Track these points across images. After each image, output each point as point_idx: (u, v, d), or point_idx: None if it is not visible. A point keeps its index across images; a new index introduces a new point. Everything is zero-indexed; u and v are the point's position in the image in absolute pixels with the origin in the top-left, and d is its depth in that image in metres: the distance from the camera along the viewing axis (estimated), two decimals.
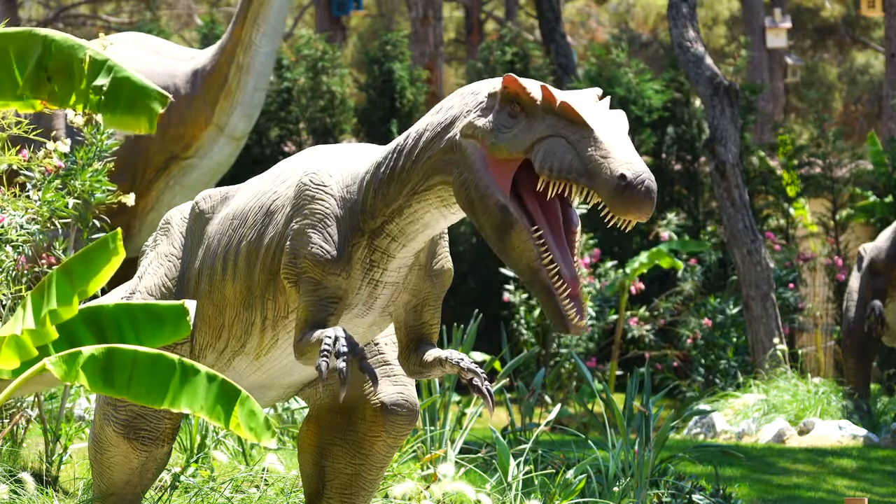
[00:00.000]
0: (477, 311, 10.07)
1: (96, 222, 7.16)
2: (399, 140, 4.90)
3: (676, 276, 15.66)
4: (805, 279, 16.70)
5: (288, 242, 4.99)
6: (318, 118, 16.98)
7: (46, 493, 6.50)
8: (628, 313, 15.26)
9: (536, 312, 13.99)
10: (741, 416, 12.39)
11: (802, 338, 16.64)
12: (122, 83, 4.83)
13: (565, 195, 4.48)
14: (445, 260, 5.14)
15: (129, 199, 7.08)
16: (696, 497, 7.80)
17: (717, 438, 12.15)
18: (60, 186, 6.92)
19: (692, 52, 14.11)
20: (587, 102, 4.52)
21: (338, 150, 5.19)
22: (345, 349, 4.71)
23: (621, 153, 4.36)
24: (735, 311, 14.60)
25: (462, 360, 4.90)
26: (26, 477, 6.39)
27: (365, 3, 28.36)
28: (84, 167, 6.95)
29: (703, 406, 12.51)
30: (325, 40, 17.57)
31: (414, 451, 7.95)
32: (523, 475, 7.44)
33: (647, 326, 15.15)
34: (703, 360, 14.59)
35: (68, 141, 6.99)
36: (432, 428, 8.06)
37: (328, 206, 4.96)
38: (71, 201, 6.90)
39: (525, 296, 14.08)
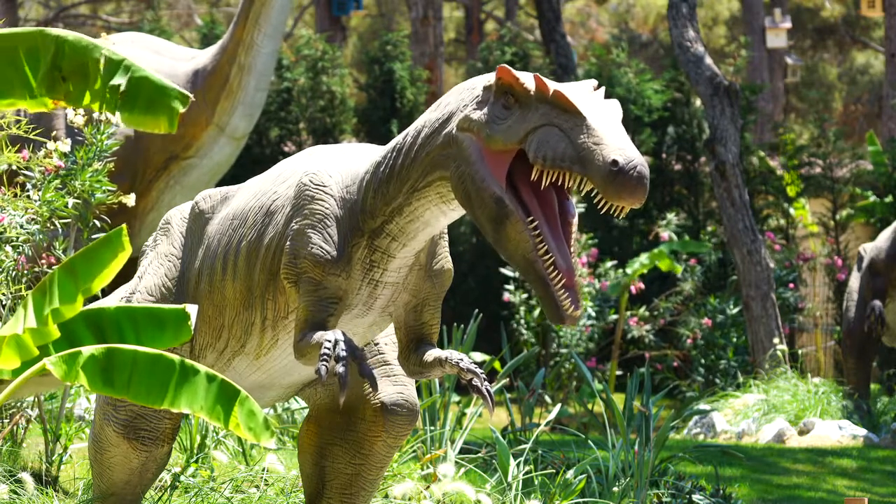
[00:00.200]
0: (477, 311, 10.06)
1: (96, 222, 7.16)
2: (398, 139, 4.91)
3: (676, 276, 15.66)
4: (805, 279, 16.70)
5: (288, 243, 4.99)
6: (318, 118, 16.99)
7: (46, 493, 6.50)
8: (628, 313, 15.26)
9: (536, 312, 13.99)
10: (741, 416, 12.39)
11: (802, 338, 16.64)
12: (141, 82, 4.82)
13: (559, 184, 4.49)
14: (445, 260, 5.14)
15: (130, 200, 7.08)
16: (696, 497, 7.80)
17: (717, 438, 12.15)
18: (60, 186, 6.92)
19: (692, 52, 14.11)
20: (581, 92, 4.55)
21: (338, 151, 5.19)
22: (344, 353, 4.71)
23: (614, 140, 4.38)
24: (735, 311, 14.60)
25: (462, 360, 4.90)
26: (26, 477, 6.39)
27: (365, 3, 28.37)
28: (84, 167, 6.95)
29: (703, 406, 12.51)
30: (325, 40, 17.57)
31: (414, 451, 7.95)
32: (523, 475, 7.44)
33: (647, 326, 15.15)
34: (703, 360, 14.59)
35: (68, 141, 6.99)
36: (432, 428, 8.06)
37: (328, 207, 4.96)
38: (71, 201, 6.90)
39: (525, 296, 14.08)
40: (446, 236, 5.17)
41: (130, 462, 5.56)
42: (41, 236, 6.72)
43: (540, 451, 8.33)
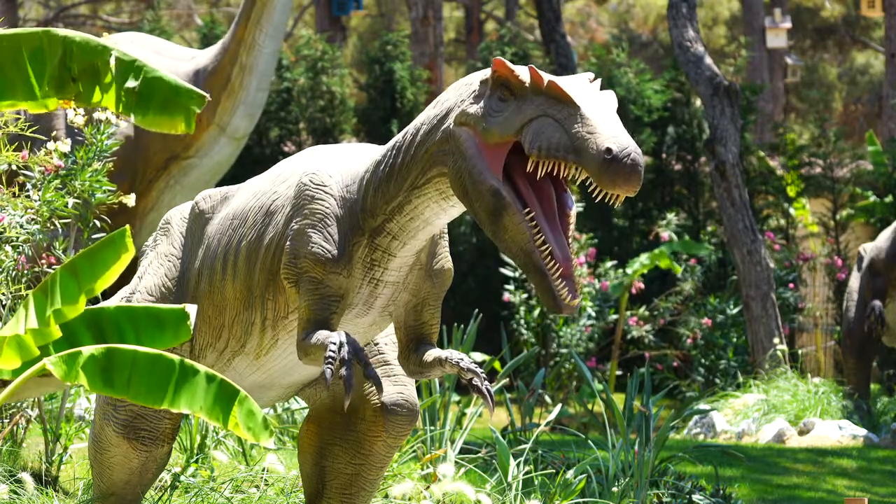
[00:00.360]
0: (477, 311, 10.06)
1: (96, 222, 7.16)
2: (398, 137, 4.92)
3: (676, 275, 15.66)
4: (805, 279, 16.69)
5: (288, 243, 4.99)
6: (318, 118, 16.98)
7: (46, 493, 6.50)
8: (628, 313, 15.26)
9: (536, 312, 13.99)
10: (741, 416, 12.39)
11: (802, 338, 16.63)
12: (154, 83, 4.82)
13: (554, 174, 4.50)
14: (445, 260, 5.15)
15: (130, 200, 7.08)
16: (696, 497, 7.80)
17: (717, 438, 12.15)
18: (60, 186, 6.92)
19: (692, 52, 14.11)
20: (576, 83, 4.57)
21: (338, 150, 5.20)
22: (349, 356, 4.71)
23: (607, 128, 4.39)
24: (735, 311, 14.60)
25: (462, 360, 4.91)
26: (26, 477, 6.39)
27: (365, 3, 28.36)
28: (84, 167, 6.95)
29: (703, 406, 12.50)
30: (325, 40, 17.56)
31: (414, 451, 7.94)
32: (523, 475, 7.43)
33: (647, 326, 15.15)
34: (703, 360, 14.59)
35: (68, 141, 6.99)
36: (432, 428, 8.06)
37: (328, 206, 4.97)
38: (71, 201, 6.89)
39: (525, 296, 14.08)
40: (446, 236, 5.18)
41: (130, 462, 5.56)
42: (41, 236, 6.72)
43: (540, 451, 8.33)
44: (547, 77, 4.51)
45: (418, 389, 8.25)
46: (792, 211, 17.03)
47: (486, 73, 4.71)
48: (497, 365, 10.81)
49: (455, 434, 8.17)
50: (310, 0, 29.22)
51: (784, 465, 10.59)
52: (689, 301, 15.36)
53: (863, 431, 11.93)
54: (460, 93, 4.75)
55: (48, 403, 7.97)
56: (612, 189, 4.37)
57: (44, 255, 7.03)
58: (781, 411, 12.35)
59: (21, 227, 6.66)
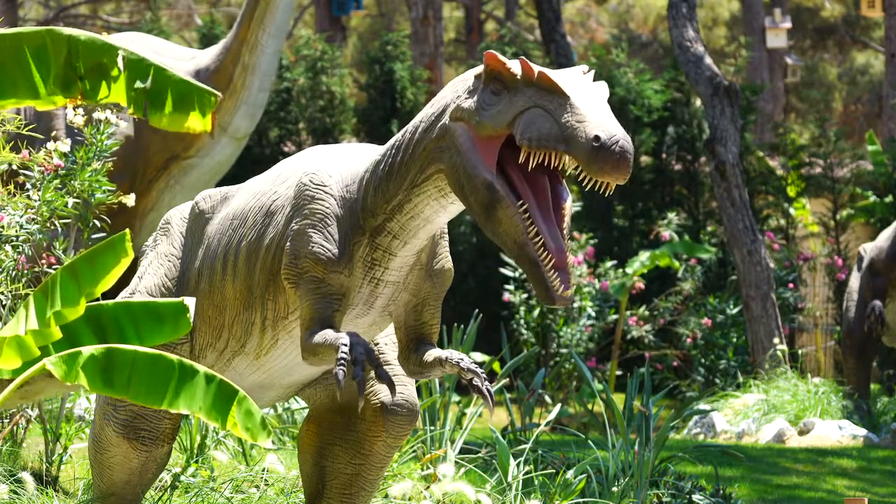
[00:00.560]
0: (477, 311, 10.06)
1: (96, 222, 7.16)
2: (397, 136, 4.94)
3: (676, 275, 15.66)
4: (805, 279, 16.69)
5: (288, 243, 4.99)
6: (318, 118, 16.98)
7: (46, 493, 6.50)
8: (628, 313, 15.26)
9: (536, 312, 13.98)
10: (741, 416, 12.39)
11: (802, 338, 16.63)
12: (166, 83, 4.82)
13: (545, 164, 4.51)
14: (446, 260, 5.15)
15: (130, 200, 7.08)
16: (696, 497, 7.80)
17: (717, 438, 12.15)
18: (60, 186, 6.92)
19: (692, 52, 14.11)
20: (567, 74, 4.58)
21: (338, 150, 5.20)
22: (362, 357, 4.71)
23: (596, 117, 4.41)
24: (735, 311, 14.59)
25: (462, 360, 4.91)
26: (26, 477, 6.39)
27: (365, 3, 28.36)
28: (84, 167, 6.95)
29: (703, 406, 12.50)
30: (325, 40, 17.56)
31: (414, 451, 7.94)
32: (523, 475, 7.43)
33: (647, 326, 15.15)
34: (703, 360, 14.59)
35: (68, 141, 6.99)
36: (432, 428, 8.06)
37: (328, 206, 4.97)
38: (71, 201, 6.89)
39: (525, 296, 14.08)
40: (446, 236, 5.18)
41: (130, 462, 5.56)
42: (41, 236, 6.72)
43: (540, 451, 8.33)
44: (537, 68, 4.53)
45: (418, 389, 8.25)
46: (792, 211, 17.03)
47: (481, 68, 4.73)
48: (497, 365, 10.81)
49: (455, 434, 8.17)
50: (310, 0, 29.22)
51: (784, 465, 10.59)
52: (689, 301, 15.36)
53: (863, 431, 11.93)
54: (456, 89, 4.78)
55: (48, 403, 7.97)
56: (601, 177, 4.38)
57: (44, 255, 7.03)
58: (781, 411, 12.34)
59: (21, 226, 6.66)
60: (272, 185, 5.24)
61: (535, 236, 4.56)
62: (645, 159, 17.38)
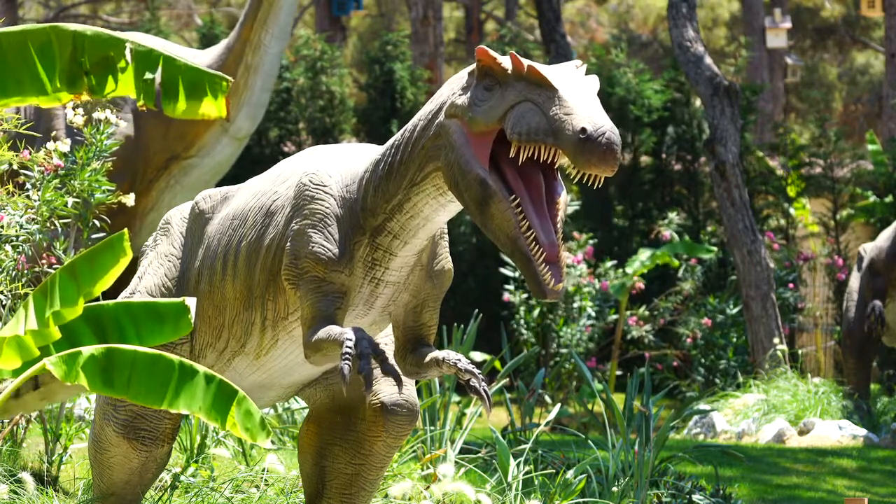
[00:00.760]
0: (477, 311, 10.06)
1: (96, 222, 7.16)
2: (396, 136, 4.95)
3: (676, 275, 15.66)
4: (805, 279, 16.69)
5: (288, 243, 4.99)
6: (318, 118, 16.98)
7: (46, 493, 6.50)
8: (628, 313, 15.26)
9: (536, 312, 13.98)
10: (741, 416, 12.39)
11: (802, 338, 16.63)
12: (176, 71, 4.82)
13: (535, 158, 4.51)
14: (446, 260, 5.15)
15: (129, 200, 7.08)
16: (696, 497, 7.80)
17: (717, 438, 12.14)
18: (59, 186, 6.92)
19: (692, 52, 14.11)
20: (559, 68, 4.60)
21: (338, 150, 5.20)
22: (367, 351, 4.71)
23: (584, 109, 4.42)
24: (735, 311, 14.59)
25: (459, 360, 4.90)
26: (26, 477, 6.39)
27: (365, 3, 28.36)
28: (83, 167, 6.95)
29: (703, 406, 12.50)
30: (325, 40, 17.56)
31: (414, 451, 7.94)
32: (523, 475, 7.43)
33: (647, 326, 15.14)
34: (703, 360, 14.59)
35: (68, 141, 6.99)
36: (432, 428, 8.06)
37: (328, 206, 4.97)
38: (70, 201, 6.89)
39: (525, 296, 14.08)
40: (446, 236, 5.18)
41: (130, 462, 5.56)
42: (41, 236, 6.72)
43: (540, 451, 8.33)
44: (527, 62, 4.55)
45: (418, 390, 8.25)
46: (792, 211, 17.03)
47: (475, 65, 4.74)
48: (497, 365, 10.81)
49: (455, 434, 8.17)
50: (310, 0, 29.22)
51: (784, 465, 10.59)
52: (689, 301, 15.36)
53: (863, 431, 11.93)
54: (452, 86, 4.80)
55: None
56: (588, 169, 4.39)
57: (44, 255, 7.03)
58: (781, 411, 12.34)
59: (21, 226, 6.66)
60: (272, 185, 5.24)
61: (527, 230, 4.57)
62: (645, 159, 17.38)
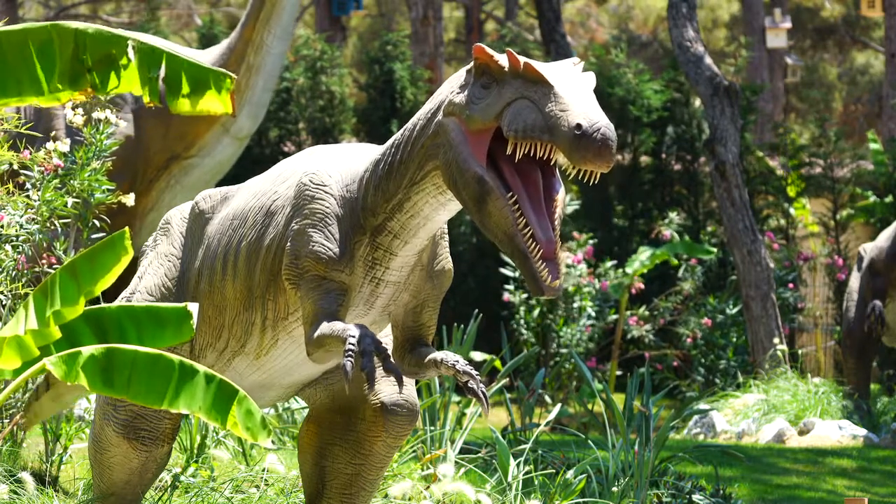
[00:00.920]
0: (477, 311, 10.06)
1: (96, 222, 7.16)
2: (396, 135, 4.95)
3: (676, 275, 15.66)
4: (805, 279, 16.69)
5: (289, 243, 4.99)
6: (318, 118, 16.98)
7: (46, 493, 6.50)
8: (628, 313, 15.26)
9: (536, 312, 13.98)
10: (741, 416, 12.39)
11: (802, 338, 16.63)
12: (179, 68, 4.81)
13: (531, 155, 4.52)
14: (446, 261, 5.15)
15: (130, 200, 7.08)
16: (696, 497, 7.80)
17: (717, 438, 12.14)
18: (59, 186, 6.92)
19: (692, 52, 14.11)
20: (556, 65, 4.60)
21: (338, 150, 5.20)
22: (371, 348, 4.71)
23: (579, 106, 4.42)
24: (735, 311, 14.59)
25: (457, 361, 4.90)
26: (26, 477, 6.39)
27: (365, 3, 28.36)
28: (83, 167, 6.95)
29: (703, 406, 12.50)
30: (325, 40, 17.56)
31: (414, 451, 7.94)
32: (523, 475, 7.43)
33: (647, 326, 15.14)
34: (703, 360, 14.59)
35: (68, 141, 6.99)
36: (432, 428, 8.06)
37: (328, 206, 4.97)
38: (70, 201, 6.89)
39: (525, 296, 14.08)
40: (447, 236, 5.18)
41: (130, 462, 5.56)
42: (41, 236, 6.72)
43: (540, 451, 8.33)
44: (523, 59, 4.55)
45: (418, 390, 8.25)
46: (792, 211, 17.03)
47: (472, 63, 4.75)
48: (497, 365, 10.81)
49: (455, 434, 8.17)
50: (310, 0, 29.22)
51: (784, 465, 10.59)
52: (689, 301, 15.36)
53: (863, 431, 11.92)
54: (451, 85, 4.80)
55: None
56: (583, 165, 4.39)
57: (44, 255, 7.02)
58: (781, 411, 12.34)
59: (21, 226, 6.66)
60: (272, 185, 5.24)
61: (524, 227, 4.57)
62: (645, 159, 17.38)
